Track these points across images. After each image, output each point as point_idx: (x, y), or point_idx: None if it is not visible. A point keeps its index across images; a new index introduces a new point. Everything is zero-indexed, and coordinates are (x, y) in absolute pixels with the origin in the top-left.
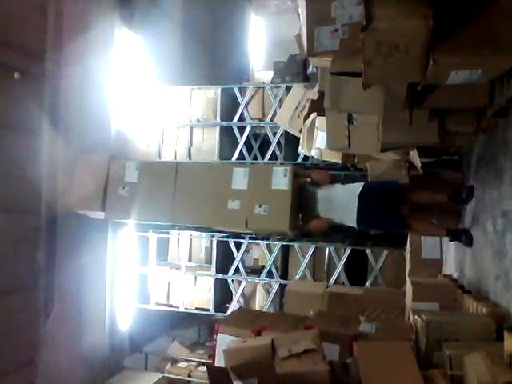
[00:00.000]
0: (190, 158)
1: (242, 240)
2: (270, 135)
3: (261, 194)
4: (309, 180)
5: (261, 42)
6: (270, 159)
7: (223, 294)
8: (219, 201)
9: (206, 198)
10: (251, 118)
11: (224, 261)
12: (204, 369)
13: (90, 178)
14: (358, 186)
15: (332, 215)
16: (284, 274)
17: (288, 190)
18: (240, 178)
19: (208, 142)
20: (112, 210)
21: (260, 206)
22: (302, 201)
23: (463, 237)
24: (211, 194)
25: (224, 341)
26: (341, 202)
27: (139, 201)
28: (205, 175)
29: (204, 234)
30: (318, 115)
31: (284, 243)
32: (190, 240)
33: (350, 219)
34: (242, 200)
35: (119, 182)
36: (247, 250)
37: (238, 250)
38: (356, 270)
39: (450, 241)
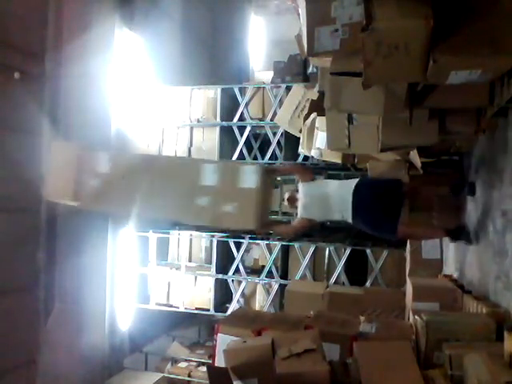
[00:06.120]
0: None
1: (242, 240)
2: (270, 135)
3: (229, 192)
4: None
5: (261, 42)
6: (270, 159)
7: (223, 294)
8: (188, 196)
9: (175, 192)
10: (251, 118)
11: (224, 261)
12: (204, 369)
13: (64, 167)
14: (352, 184)
15: (329, 216)
16: (284, 274)
17: (256, 188)
18: (209, 174)
19: (208, 142)
20: (84, 201)
21: (228, 204)
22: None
23: (463, 236)
24: (181, 188)
25: (224, 341)
26: (336, 200)
27: (110, 193)
28: (176, 169)
29: (204, 234)
30: (318, 115)
31: (284, 243)
32: (190, 240)
33: (346, 214)
34: (209, 196)
35: (91, 172)
36: (247, 250)
37: (238, 250)
38: (356, 270)
39: (452, 242)
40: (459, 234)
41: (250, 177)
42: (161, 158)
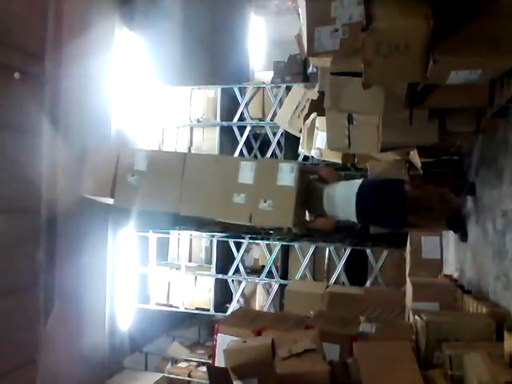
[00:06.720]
0: None
1: (242, 240)
2: (270, 135)
3: (266, 189)
4: (316, 177)
5: (261, 42)
6: None
7: (223, 294)
8: (225, 194)
9: (212, 190)
10: (251, 118)
11: (224, 261)
12: (204, 369)
13: (101, 165)
14: (356, 184)
15: (334, 212)
16: (284, 274)
17: (293, 186)
18: (246, 172)
19: (208, 142)
20: (121, 197)
21: (265, 201)
22: (308, 198)
23: (458, 224)
24: (217, 186)
25: (224, 341)
26: (340, 199)
27: (147, 189)
28: (212, 167)
29: (204, 234)
30: (318, 115)
31: (284, 243)
32: (190, 240)
33: (350, 215)
34: (247, 194)
35: (128, 169)
36: (247, 250)
37: (238, 250)
38: (356, 270)
39: (448, 230)
40: (456, 221)
41: (287, 175)
42: (197, 156)
